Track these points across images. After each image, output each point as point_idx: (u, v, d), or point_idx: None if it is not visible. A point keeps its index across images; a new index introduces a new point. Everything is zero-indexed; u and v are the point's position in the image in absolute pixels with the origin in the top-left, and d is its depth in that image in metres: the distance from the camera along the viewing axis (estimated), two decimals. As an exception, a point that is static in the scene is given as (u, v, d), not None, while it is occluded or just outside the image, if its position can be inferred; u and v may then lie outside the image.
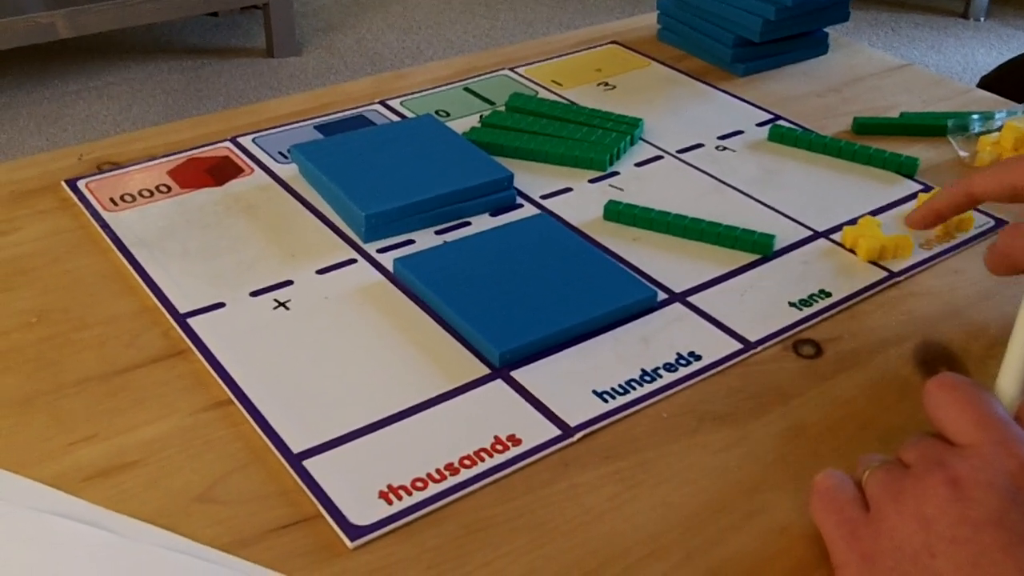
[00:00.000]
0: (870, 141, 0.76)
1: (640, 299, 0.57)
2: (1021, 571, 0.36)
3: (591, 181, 0.70)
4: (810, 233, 0.65)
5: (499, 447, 0.48)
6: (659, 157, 0.73)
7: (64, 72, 2.41)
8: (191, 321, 0.55)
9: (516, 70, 0.85)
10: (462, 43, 2.63)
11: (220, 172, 0.69)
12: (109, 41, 2.53)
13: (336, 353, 0.54)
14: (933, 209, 0.58)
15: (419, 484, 0.46)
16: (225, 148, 0.72)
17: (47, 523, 0.43)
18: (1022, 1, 2.96)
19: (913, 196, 0.69)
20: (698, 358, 0.54)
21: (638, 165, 0.72)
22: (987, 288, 0.61)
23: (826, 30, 0.90)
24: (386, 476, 0.46)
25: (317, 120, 0.76)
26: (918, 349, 0.56)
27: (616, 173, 0.71)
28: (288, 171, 0.69)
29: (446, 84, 0.82)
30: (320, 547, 0.43)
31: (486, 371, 0.53)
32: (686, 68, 0.87)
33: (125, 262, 0.60)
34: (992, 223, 0.67)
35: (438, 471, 0.47)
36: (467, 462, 0.47)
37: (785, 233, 0.65)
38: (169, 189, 0.67)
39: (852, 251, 0.63)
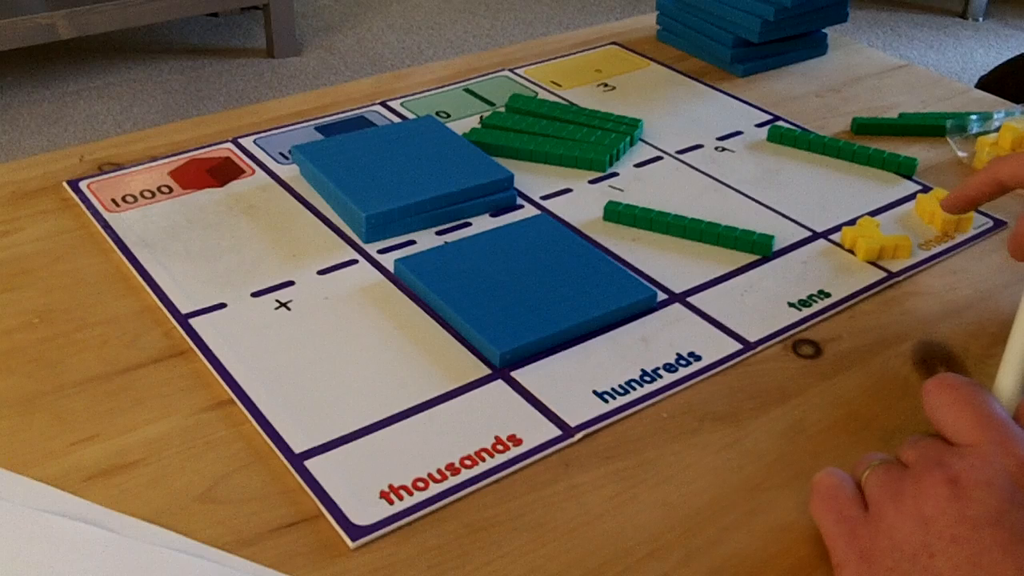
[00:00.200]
0: (869, 141, 0.76)
1: (640, 299, 0.57)
2: (1020, 570, 0.36)
3: (591, 182, 0.70)
4: (809, 233, 0.65)
5: (500, 447, 0.48)
6: (659, 158, 0.73)
7: (65, 72, 2.41)
8: (192, 321, 0.55)
9: (516, 71, 0.85)
10: (462, 43, 2.63)
11: (221, 173, 0.69)
12: (110, 41, 2.53)
13: (337, 353, 0.54)
14: (966, 196, 0.59)
15: (420, 484, 0.46)
16: (226, 149, 0.72)
17: (49, 522, 0.43)
18: (1021, 1, 2.96)
19: (912, 196, 0.69)
20: (698, 358, 0.54)
21: (638, 166, 0.72)
22: (986, 288, 0.61)
23: (825, 30, 0.90)
24: (387, 476, 0.46)
25: (318, 121, 0.76)
26: (917, 349, 0.56)
27: (616, 174, 0.71)
28: (289, 172, 0.70)
29: (446, 85, 0.83)
30: (321, 547, 0.43)
31: (487, 371, 0.53)
32: (685, 68, 0.87)
33: (126, 262, 0.60)
34: (991, 223, 0.67)
35: (439, 471, 0.47)
36: (468, 462, 0.47)
37: (784, 233, 0.65)
38: (170, 190, 0.67)
39: (851, 251, 0.63)
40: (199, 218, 0.65)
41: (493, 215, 0.66)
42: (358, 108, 0.78)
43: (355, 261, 0.61)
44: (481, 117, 0.76)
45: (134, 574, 0.41)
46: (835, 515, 0.42)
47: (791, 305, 0.59)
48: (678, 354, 0.55)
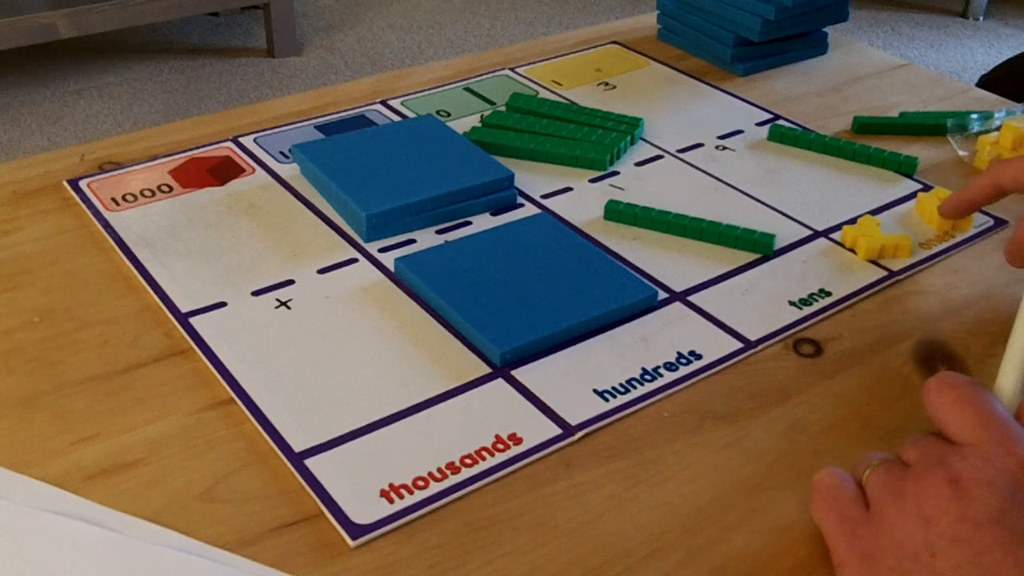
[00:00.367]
0: (870, 140, 0.76)
1: (641, 298, 0.57)
2: (1021, 569, 0.36)
3: (591, 181, 0.70)
4: (810, 232, 0.65)
5: (500, 446, 0.48)
6: (659, 157, 0.73)
7: (65, 72, 2.41)
8: (193, 320, 0.55)
9: (516, 70, 0.85)
10: (462, 43, 2.63)
11: (221, 172, 0.69)
12: (110, 41, 2.53)
13: (337, 352, 0.54)
14: (965, 200, 0.59)
15: (420, 483, 0.46)
16: (226, 148, 0.72)
17: (49, 522, 0.43)
18: (1021, 1, 2.96)
19: (912, 195, 0.69)
20: (699, 357, 0.54)
21: (638, 165, 0.72)
22: (987, 287, 0.61)
23: (826, 30, 0.90)
24: (387, 475, 0.46)
25: (318, 120, 0.76)
26: (918, 348, 0.56)
27: (616, 173, 0.71)
28: (289, 171, 0.70)
29: (447, 84, 0.83)
30: (322, 546, 0.43)
31: (487, 370, 0.53)
32: (686, 68, 0.87)
33: (127, 262, 0.60)
34: (992, 223, 0.67)
35: (439, 470, 0.47)
36: (468, 461, 0.47)
37: (785, 232, 0.65)
38: (171, 189, 0.67)
39: (852, 250, 0.63)
40: (199, 217, 0.64)
41: (493, 214, 0.66)
42: (358, 107, 0.78)
43: (355, 260, 0.61)
44: (482, 116, 0.76)
45: (135, 573, 0.41)
46: (836, 515, 0.42)
47: (792, 304, 0.59)
48: (679, 353, 0.55)
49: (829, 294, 0.60)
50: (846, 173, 0.72)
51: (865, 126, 0.77)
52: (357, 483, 0.46)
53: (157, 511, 0.44)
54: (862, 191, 0.70)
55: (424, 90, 0.81)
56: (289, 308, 0.57)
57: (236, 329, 0.55)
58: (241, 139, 0.73)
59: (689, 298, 0.59)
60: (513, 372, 0.53)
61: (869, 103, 0.82)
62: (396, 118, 0.77)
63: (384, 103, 0.79)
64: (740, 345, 0.55)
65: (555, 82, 0.83)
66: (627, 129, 0.74)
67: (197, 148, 0.72)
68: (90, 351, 0.53)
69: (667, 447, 0.49)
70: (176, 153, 0.71)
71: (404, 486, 0.46)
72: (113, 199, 0.66)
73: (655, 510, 0.45)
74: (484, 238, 0.62)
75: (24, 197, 0.66)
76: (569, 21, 2.77)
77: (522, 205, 0.67)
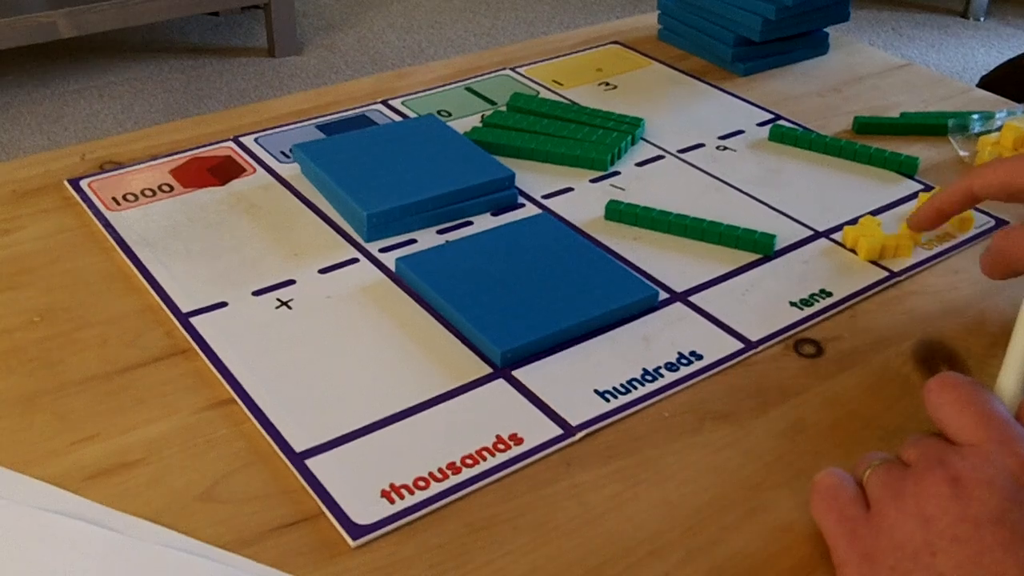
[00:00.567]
0: (870, 141, 0.76)
1: (641, 298, 0.57)
2: (1022, 569, 0.36)
3: (592, 181, 0.70)
4: (811, 233, 0.65)
5: (501, 446, 0.48)
6: (660, 157, 0.73)
7: (65, 71, 2.41)
8: (193, 320, 0.55)
9: (517, 70, 0.85)
10: (463, 42, 2.63)
11: (222, 171, 0.69)
12: (110, 40, 2.53)
13: (338, 352, 0.54)
14: (935, 209, 0.59)
15: (421, 483, 0.46)
16: (227, 147, 0.72)
17: (49, 522, 0.43)
18: (1022, 1, 2.96)
19: (914, 196, 0.69)
20: (699, 357, 0.54)
21: (639, 165, 0.72)
22: (987, 287, 0.61)
23: (826, 30, 0.90)
24: (388, 475, 0.46)
25: (319, 120, 0.76)
26: (919, 348, 0.56)
27: (617, 173, 0.71)
28: (290, 170, 0.70)
29: (447, 84, 0.83)
30: (322, 546, 0.43)
31: (488, 370, 0.53)
32: (687, 68, 0.87)
33: (127, 261, 0.60)
34: (992, 223, 0.67)
35: (440, 470, 0.47)
36: (469, 461, 0.47)
37: (786, 233, 0.65)
38: (171, 188, 0.67)
39: (853, 251, 0.63)
40: (200, 217, 0.65)
41: (494, 214, 0.66)
42: (359, 107, 0.78)
43: (356, 260, 0.61)
44: (482, 116, 0.76)
45: (135, 573, 0.41)
46: (836, 515, 0.42)
47: (792, 304, 0.59)
48: (679, 353, 0.55)
49: (830, 294, 0.60)
50: (847, 173, 0.72)
51: (866, 126, 0.77)
52: (358, 483, 0.46)
53: (157, 511, 0.44)
54: (863, 191, 0.70)
55: (425, 90, 0.81)
56: (290, 308, 0.57)
57: (237, 329, 0.55)
58: (242, 139, 0.73)
59: (690, 298, 0.59)
60: (514, 372, 0.53)
61: (870, 103, 0.82)
62: (397, 118, 0.77)
63: (385, 103, 0.79)
64: (741, 345, 0.55)
65: (556, 82, 0.83)
66: (628, 129, 0.74)
67: (198, 148, 0.72)
68: (90, 351, 0.53)
69: (667, 447, 0.49)
70: (177, 153, 0.71)
71: (405, 486, 0.46)
72: (114, 199, 0.66)
73: (655, 510, 0.45)
74: (485, 238, 0.62)
75: (24, 196, 0.66)
76: (570, 21, 2.77)
77: (523, 205, 0.67)
